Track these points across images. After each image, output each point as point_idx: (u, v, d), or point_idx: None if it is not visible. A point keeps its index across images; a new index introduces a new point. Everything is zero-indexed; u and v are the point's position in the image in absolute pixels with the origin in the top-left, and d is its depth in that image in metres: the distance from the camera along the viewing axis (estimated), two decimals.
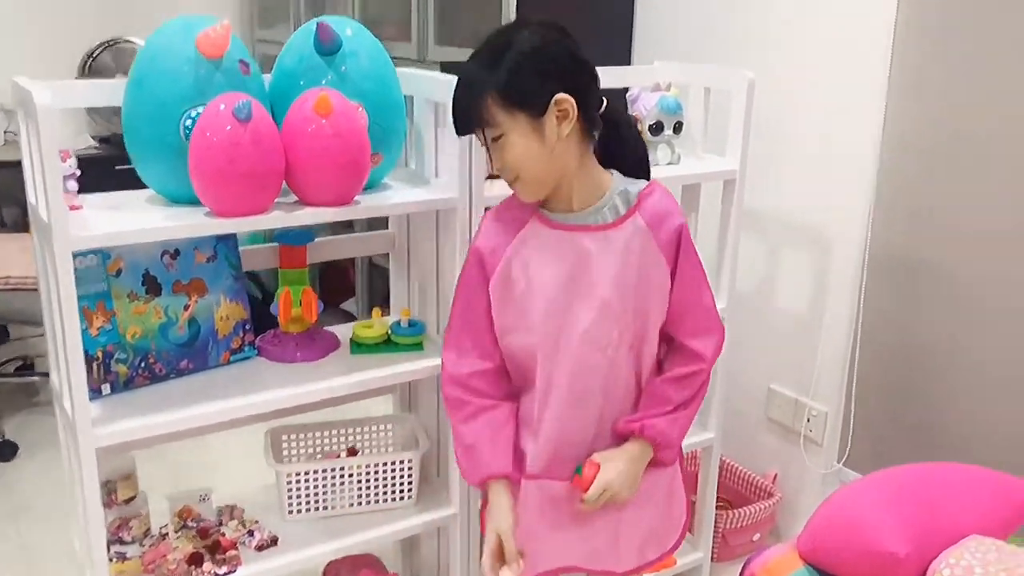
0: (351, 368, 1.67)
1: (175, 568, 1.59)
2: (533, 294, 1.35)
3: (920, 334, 2.13)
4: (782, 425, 2.43)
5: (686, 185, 1.98)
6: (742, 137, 1.91)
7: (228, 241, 1.66)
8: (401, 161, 1.78)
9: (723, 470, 2.39)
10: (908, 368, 2.17)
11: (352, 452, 1.90)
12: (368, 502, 1.77)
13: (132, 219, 1.43)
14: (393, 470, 1.76)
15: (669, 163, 1.92)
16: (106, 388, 1.52)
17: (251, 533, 1.69)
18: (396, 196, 1.63)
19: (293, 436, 1.86)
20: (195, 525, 1.69)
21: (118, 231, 1.38)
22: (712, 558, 2.25)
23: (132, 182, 1.55)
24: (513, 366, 1.42)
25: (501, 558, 1.38)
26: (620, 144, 1.39)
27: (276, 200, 1.48)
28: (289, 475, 1.72)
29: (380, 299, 3.28)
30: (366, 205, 1.56)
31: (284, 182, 1.48)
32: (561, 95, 1.26)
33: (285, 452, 1.85)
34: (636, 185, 1.38)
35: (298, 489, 1.72)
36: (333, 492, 1.75)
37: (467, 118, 1.30)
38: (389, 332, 1.74)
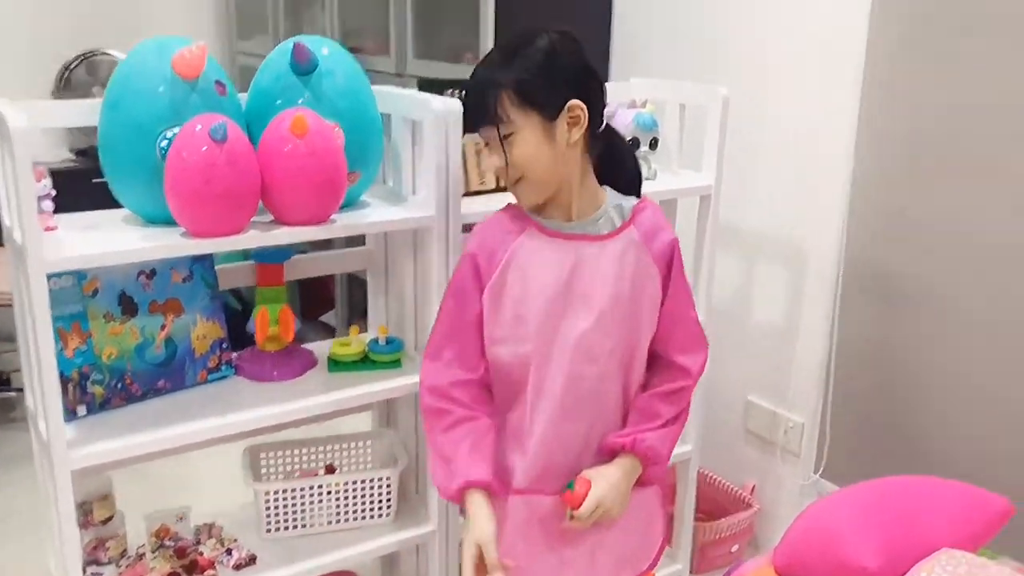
0: (329, 387, 1.67)
1: None
2: (529, 300, 1.35)
3: (895, 346, 2.16)
4: (760, 437, 2.45)
5: (663, 201, 1.97)
6: (717, 153, 1.94)
7: (204, 261, 1.66)
8: (379, 179, 1.78)
9: (702, 482, 2.40)
10: (884, 379, 2.20)
11: (330, 469, 1.90)
12: (347, 519, 1.77)
13: (107, 240, 1.42)
14: (371, 487, 1.76)
15: (646, 179, 1.92)
16: (82, 409, 1.51)
17: (229, 552, 1.68)
18: (373, 214, 1.63)
19: (272, 453, 1.86)
20: (172, 544, 1.69)
21: (93, 253, 1.37)
22: (691, 569, 2.26)
23: (110, 196, 1.53)
24: (500, 378, 1.41)
25: (483, 571, 1.33)
26: (616, 161, 1.42)
27: (252, 219, 1.48)
28: (267, 493, 1.71)
29: (360, 312, 3.27)
30: (343, 224, 1.56)
31: (260, 202, 1.48)
32: (575, 101, 1.29)
33: (264, 469, 1.85)
34: (629, 200, 1.42)
35: (276, 507, 1.72)
36: (311, 510, 1.75)
37: (480, 113, 1.32)
38: (367, 350, 1.74)
